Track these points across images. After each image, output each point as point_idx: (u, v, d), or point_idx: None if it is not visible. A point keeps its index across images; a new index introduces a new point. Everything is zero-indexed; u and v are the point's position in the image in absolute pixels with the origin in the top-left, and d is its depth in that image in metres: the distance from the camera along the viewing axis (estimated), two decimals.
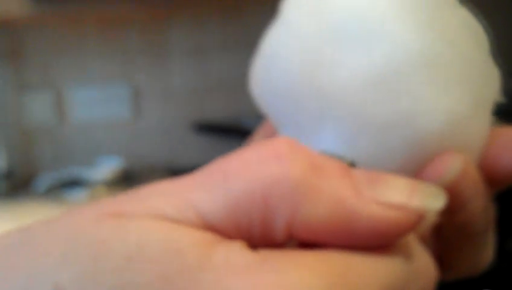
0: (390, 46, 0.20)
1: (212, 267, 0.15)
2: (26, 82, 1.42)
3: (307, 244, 0.16)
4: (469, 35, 0.22)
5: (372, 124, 0.21)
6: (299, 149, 0.17)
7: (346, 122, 0.21)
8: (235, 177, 0.16)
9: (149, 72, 1.43)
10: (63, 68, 1.42)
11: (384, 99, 0.20)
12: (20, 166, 1.42)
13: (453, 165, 0.21)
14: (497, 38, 0.24)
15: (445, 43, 0.21)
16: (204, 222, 0.16)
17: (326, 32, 0.21)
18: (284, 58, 0.22)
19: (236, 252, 0.15)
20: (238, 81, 1.43)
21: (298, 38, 0.22)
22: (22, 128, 1.43)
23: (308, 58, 0.22)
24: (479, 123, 0.22)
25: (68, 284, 0.15)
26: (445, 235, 0.23)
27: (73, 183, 1.29)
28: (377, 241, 0.16)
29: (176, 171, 1.36)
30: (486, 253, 0.24)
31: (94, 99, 1.43)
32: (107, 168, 1.33)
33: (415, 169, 0.21)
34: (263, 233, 0.16)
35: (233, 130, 1.36)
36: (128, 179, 1.33)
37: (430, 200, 0.17)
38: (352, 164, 0.18)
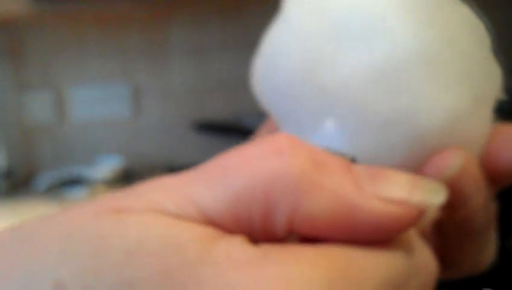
0: (390, 43, 0.21)
1: (213, 262, 0.15)
2: (26, 81, 1.42)
3: (308, 239, 0.16)
4: (470, 33, 0.22)
5: (373, 121, 0.21)
6: (299, 145, 0.17)
7: (347, 120, 0.21)
8: (235, 172, 0.16)
9: (149, 71, 1.43)
10: (63, 67, 1.42)
11: (384, 96, 0.21)
12: (20, 165, 1.42)
13: (453, 161, 0.21)
14: (499, 36, 0.24)
15: (445, 40, 0.21)
16: (205, 217, 0.16)
17: (327, 30, 0.22)
18: (285, 55, 0.23)
19: (237, 247, 0.15)
20: (238, 80, 1.43)
21: (299, 36, 0.22)
22: (22, 128, 1.43)
23: (309, 56, 0.22)
24: (479, 120, 0.22)
25: (69, 281, 0.15)
26: (446, 232, 0.23)
27: (73, 182, 1.29)
28: (378, 236, 0.16)
29: (175, 170, 1.35)
30: (487, 251, 0.24)
31: (94, 98, 1.43)
32: (107, 167, 1.33)
33: (416, 166, 0.21)
34: (264, 228, 0.16)
35: (233, 129, 1.36)
36: (129, 177, 1.33)
37: (431, 196, 0.17)
38: (352, 160, 0.18)
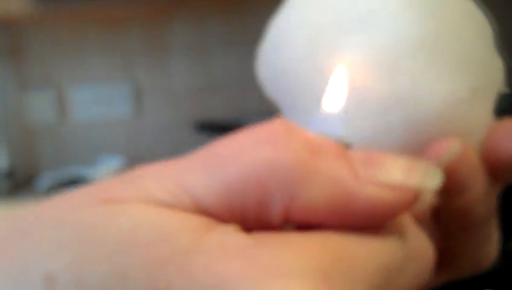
0: (392, 29, 0.21)
1: (205, 251, 0.15)
2: (28, 81, 1.42)
3: (304, 226, 0.16)
4: (472, 25, 0.22)
5: (372, 106, 0.21)
6: (294, 132, 0.16)
7: (347, 104, 0.21)
8: (229, 161, 0.16)
9: (150, 71, 1.43)
10: (64, 67, 1.42)
11: (384, 81, 0.21)
12: (22, 165, 1.42)
13: (451, 148, 0.21)
14: (503, 34, 0.24)
15: (446, 29, 0.21)
16: (197, 206, 0.16)
17: (330, 16, 0.22)
18: (289, 41, 0.23)
19: (229, 236, 0.15)
20: (239, 80, 1.43)
21: (303, 22, 0.23)
22: (23, 127, 1.43)
23: (312, 41, 0.22)
24: (479, 111, 0.22)
25: (60, 273, 0.14)
26: (445, 223, 0.23)
27: (74, 182, 1.29)
28: (374, 220, 0.16)
29: None
30: (488, 249, 0.24)
31: (95, 98, 1.43)
32: (108, 167, 1.33)
33: (414, 152, 0.21)
34: (259, 217, 0.16)
35: (235, 129, 1.36)
36: None
37: (427, 179, 0.17)
38: (348, 145, 0.18)
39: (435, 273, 0.22)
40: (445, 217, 0.23)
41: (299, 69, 0.22)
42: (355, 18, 0.21)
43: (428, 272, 0.18)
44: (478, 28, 0.22)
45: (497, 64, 0.23)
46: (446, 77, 0.21)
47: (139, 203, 0.16)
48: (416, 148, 0.21)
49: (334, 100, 0.22)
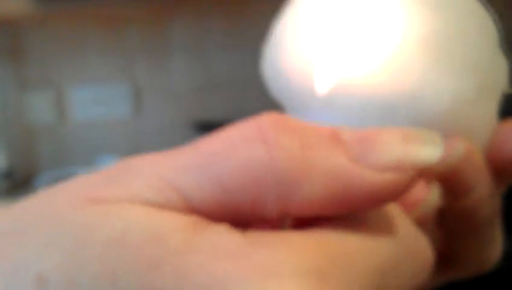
0: (397, 27, 0.21)
1: (197, 251, 0.14)
2: (27, 81, 1.42)
3: (301, 220, 0.16)
4: (477, 25, 0.22)
5: (378, 104, 0.21)
6: (284, 127, 0.16)
7: (352, 103, 0.21)
8: (221, 159, 0.16)
9: (150, 71, 1.43)
10: (63, 67, 1.42)
11: (390, 79, 0.21)
12: (21, 165, 1.42)
13: (456, 148, 0.21)
14: (505, 33, 0.24)
15: (452, 28, 0.21)
16: (189, 206, 0.16)
17: (335, 15, 0.22)
18: (293, 40, 0.23)
19: (222, 235, 0.15)
20: (238, 80, 1.43)
21: (308, 19, 0.23)
22: (22, 127, 1.43)
23: (316, 40, 0.22)
24: (484, 110, 0.22)
25: (51, 274, 0.14)
26: (450, 224, 0.23)
27: None
28: (376, 205, 0.16)
29: None
30: (492, 250, 0.24)
31: (95, 98, 1.43)
32: (107, 167, 1.33)
33: None
34: (254, 215, 0.16)
35: None
36: None
37: (427, 148, 0.16)
38: None
39: (437, 274, 0.22)
40: (450, 218, 0.23)
41: (303, 69, 0.22)
42: (360, 18, 0.21)
43: (427, 271, 0.17)
44: (483, 28, 0.22)
45: (501, 64, 0.23)
46: (452, 77, 0.21)
47: (130, 204, 0.15)
48: None
49: (338, 100, 0.22)
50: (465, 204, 0.22)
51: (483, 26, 0.22)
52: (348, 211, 0.16)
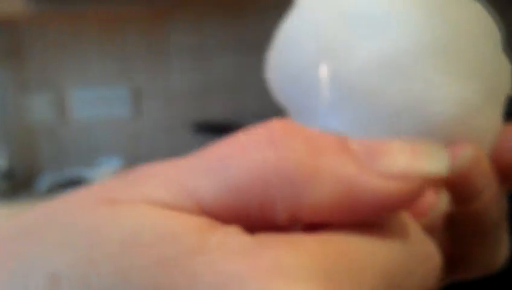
0: (403, 33, 0.21)
1: (208, 252, 0.15)
2: (27, 82, 1.42)
3: (311, 225, 0.16)
4: (481, 29, 0.22)
5: (384, 110, 0.21)
6: (293, 131, 0.16)
7: (359, 108, 0.21)
8: (232, 163, 0.16)
9: (149, 72, 1.43)
10: (63, 68, 1.42)
11: (396, 85, 0.21)
12: (21, 166, 1.42)
13: (464, 153, 0.21)
14: (510, 37, 0.24)
15: (456, 33, 0.21)
16: (200, 208, 0.16)
17: (340, 20, 0.22)
18: (299, 45, 0.23)
19: (232, 236, 0.15)
20: (238, 81, 1.43)
21: (313, 26, 0.23)
22: (22, 128, 1.43)
23: (322, 46, 0.22)
24: (489, 115, 0.22)
25: (64, 273, 0.15)
26: (458, 229, 0.23)
27: (74, 183, 1.29)
28: (383, 213, 0.16)
29: None
30: (499, 251, 0.24)
31: (94, 99, 1.43)
32: (107, 168, 1.33)
33: None
34: (264, 218, 0.16)
35: (233, 130, 1.36)
36: None
37: (433, 163, 0.16)
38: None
39: (444, 277, 0.22)
40: (457, 222, 0.23)
41: (308, 74, 0.22)
42: (365, 23, 0.21)
43: (435, 277, 0.18)
44: (487, 31, 0.22)
45: (505, 68, 0.23)
46: (458, 81, 0.21)
47: (143, 205, 0.16)
48: None
49: (344, 105, 0.22)
50: (473, 208, 0.22)
51: (487, 29, 0.22)
52: (357, 219, 0.16)
